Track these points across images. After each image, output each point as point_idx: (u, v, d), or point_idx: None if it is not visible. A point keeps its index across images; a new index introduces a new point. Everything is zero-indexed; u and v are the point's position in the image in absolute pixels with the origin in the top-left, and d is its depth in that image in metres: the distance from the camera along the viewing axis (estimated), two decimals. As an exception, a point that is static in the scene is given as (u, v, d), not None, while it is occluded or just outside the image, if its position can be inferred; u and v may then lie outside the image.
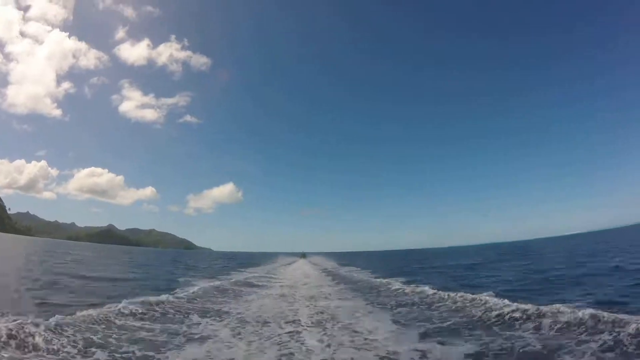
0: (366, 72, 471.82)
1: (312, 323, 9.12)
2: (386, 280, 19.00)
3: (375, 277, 21.97)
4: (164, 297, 11.77)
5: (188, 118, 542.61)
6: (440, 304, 11.24)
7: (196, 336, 7.83)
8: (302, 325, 8.83)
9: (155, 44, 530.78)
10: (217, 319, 9.71)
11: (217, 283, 17.95)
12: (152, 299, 11.05)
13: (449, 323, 8.77)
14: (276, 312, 10.65)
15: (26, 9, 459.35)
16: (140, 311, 9.54)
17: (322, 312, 10.62)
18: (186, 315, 9.96)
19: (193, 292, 13.82)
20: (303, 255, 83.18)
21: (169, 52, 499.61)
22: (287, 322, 9.18)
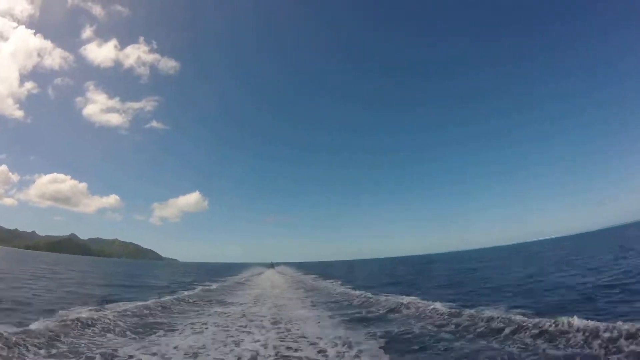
0: (334, 77, 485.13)
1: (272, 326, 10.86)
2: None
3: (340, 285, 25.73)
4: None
5: (154, 124, 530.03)
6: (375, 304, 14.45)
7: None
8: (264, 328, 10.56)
9: (122, 45, 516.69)
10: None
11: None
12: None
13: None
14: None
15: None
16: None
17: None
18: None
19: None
20: (271, 265, 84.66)
21: (137, 55, 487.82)
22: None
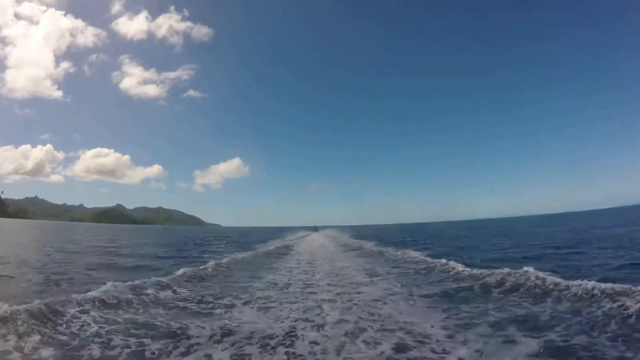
0: (368, 49, 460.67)
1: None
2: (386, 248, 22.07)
3: (378, 246, 24.97)
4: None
5: (192, 93, 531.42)
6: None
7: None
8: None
9: (153, 16, 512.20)
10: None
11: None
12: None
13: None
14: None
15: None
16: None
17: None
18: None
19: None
20: (315, 228, 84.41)
21: (169, 24, 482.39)
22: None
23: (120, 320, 6.11)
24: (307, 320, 6.42)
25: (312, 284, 10.36)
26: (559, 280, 7.95)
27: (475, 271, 10.44)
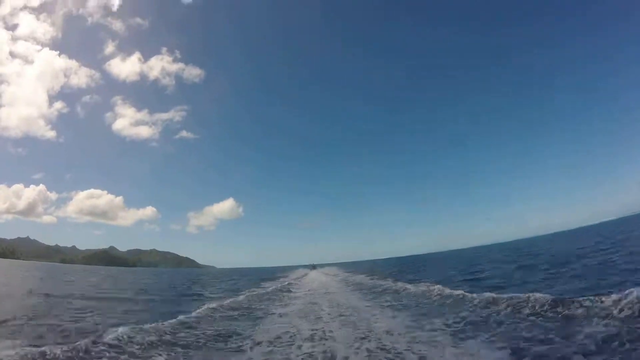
0: (360, 76, 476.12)
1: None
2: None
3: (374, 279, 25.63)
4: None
5: (184, 133, 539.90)
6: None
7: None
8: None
9: (146, 57, 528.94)
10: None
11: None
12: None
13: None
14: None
15: (14, 27, 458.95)
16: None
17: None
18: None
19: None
20: (313, 267, 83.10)
21: (161, 65, 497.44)
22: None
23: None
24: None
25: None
26: None
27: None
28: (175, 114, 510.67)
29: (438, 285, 14.65)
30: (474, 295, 10.95)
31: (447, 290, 13.13)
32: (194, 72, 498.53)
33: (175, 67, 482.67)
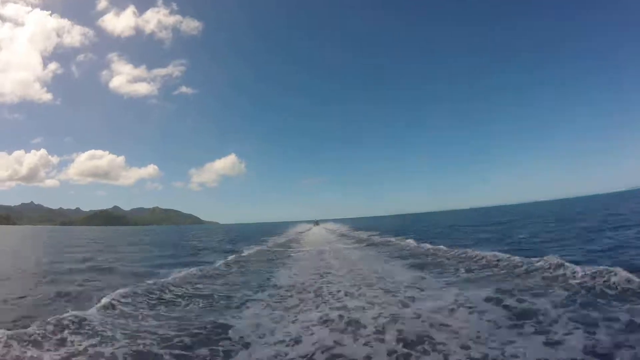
0: (364, 31, 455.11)
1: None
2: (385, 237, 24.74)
3: (376, 236, 28.42)
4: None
5: (184, 89, 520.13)
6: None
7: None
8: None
9: (140, 10, 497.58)
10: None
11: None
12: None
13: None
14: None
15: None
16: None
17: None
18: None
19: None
20: (316, 222, 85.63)
21: (157, 18, 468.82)
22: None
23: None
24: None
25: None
26: None
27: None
28: (174, 69, 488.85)
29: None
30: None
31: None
32: (192, 25, 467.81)
33: (172, 19, 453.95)
